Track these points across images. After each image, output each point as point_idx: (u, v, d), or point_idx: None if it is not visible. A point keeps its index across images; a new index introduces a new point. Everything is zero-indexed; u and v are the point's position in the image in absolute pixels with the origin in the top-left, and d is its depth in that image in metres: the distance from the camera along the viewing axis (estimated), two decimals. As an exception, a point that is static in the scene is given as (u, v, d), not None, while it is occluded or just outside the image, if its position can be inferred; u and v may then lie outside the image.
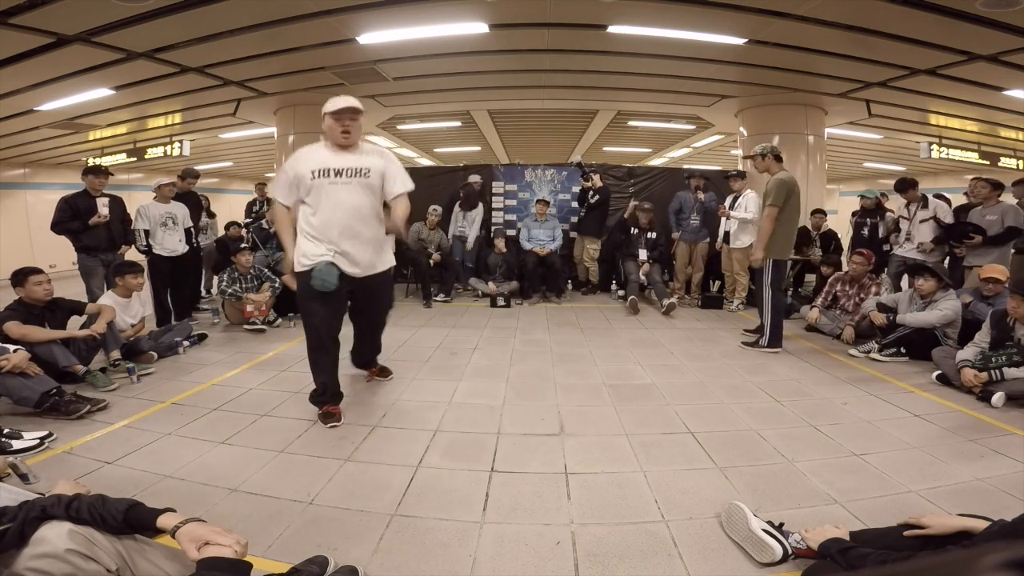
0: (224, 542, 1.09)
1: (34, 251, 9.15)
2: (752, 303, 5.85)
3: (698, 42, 4.73)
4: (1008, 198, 5.00)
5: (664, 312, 5.32)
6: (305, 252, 2.51)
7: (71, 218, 4.21)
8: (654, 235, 5.93)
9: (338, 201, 2.48)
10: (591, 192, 6.20)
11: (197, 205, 5.57)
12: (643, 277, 5.72)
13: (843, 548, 1.38)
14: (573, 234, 6.83)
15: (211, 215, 6.63)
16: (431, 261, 6.04)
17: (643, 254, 5.80)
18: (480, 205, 6.67)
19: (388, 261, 2.74)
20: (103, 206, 4.29)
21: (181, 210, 4.86)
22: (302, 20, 4.20)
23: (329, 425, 2.57)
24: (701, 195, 5.85)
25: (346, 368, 3.51)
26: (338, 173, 2.49)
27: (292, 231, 2.61)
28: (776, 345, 4.00)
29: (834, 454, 2.29)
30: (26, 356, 2.71)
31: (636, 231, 5.96)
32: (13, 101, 5.71)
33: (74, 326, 3.32)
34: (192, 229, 5.04)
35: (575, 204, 6.80)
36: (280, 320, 4.85)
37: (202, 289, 6.03)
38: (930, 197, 4.85)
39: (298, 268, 2.52)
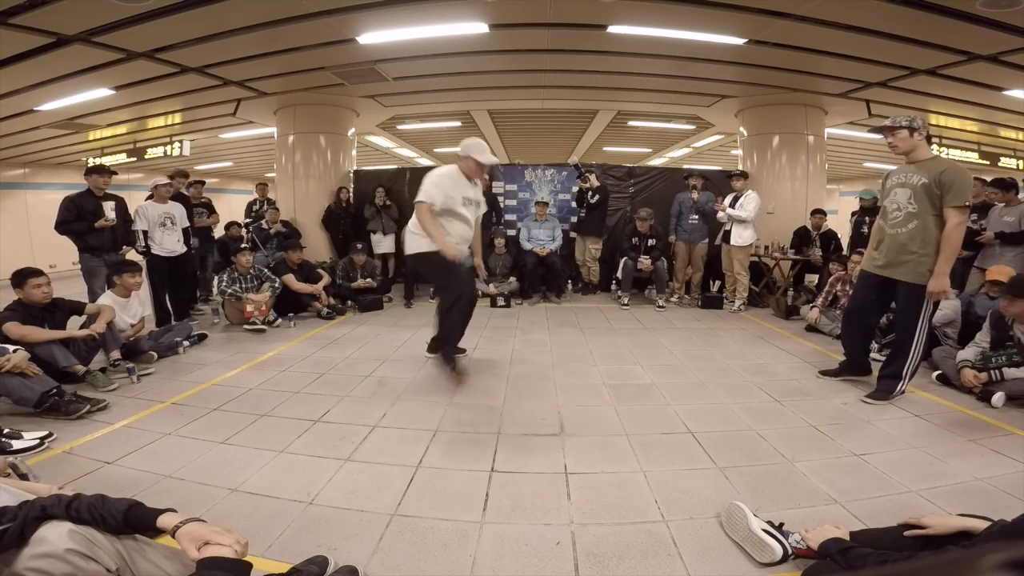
0: (224, 542, 1.09)
1: (34, 251, 9.14)
2: (753, 303, 5.87)
3: (698, 42, 4.73)
4: None
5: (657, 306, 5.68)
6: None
7: (75, 218, 4.17)
8: (655, 241, 5.95)
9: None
10: (590, 192, 6.20)
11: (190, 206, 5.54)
12: (642, 264, 5.80)
13: (843, 548, 1.37)
14: (573, 235, 6.83)
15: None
16: None
17: (644, 260, 5.85)
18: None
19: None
20: (110, 210, 4.25)
21: (179, 210, 4.85)
22: (302, 20, 4.19)
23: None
24: (695, 194, 5.84)
25: (346, 368, 3.52)
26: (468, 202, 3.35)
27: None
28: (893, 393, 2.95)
29: (834, 454, 2.29)
30: (26, 356, 2.71)
31: (637, 240, 5.96)
32: (13, 101, 5.69)
33: (74, 326, 3.32)
34: (189, 230, 5.03)
35: (575, 204, 6.80)
36: (280, 320, 4.85)
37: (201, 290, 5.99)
38: None
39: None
